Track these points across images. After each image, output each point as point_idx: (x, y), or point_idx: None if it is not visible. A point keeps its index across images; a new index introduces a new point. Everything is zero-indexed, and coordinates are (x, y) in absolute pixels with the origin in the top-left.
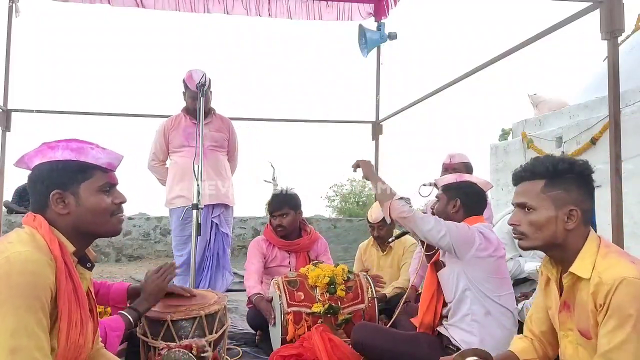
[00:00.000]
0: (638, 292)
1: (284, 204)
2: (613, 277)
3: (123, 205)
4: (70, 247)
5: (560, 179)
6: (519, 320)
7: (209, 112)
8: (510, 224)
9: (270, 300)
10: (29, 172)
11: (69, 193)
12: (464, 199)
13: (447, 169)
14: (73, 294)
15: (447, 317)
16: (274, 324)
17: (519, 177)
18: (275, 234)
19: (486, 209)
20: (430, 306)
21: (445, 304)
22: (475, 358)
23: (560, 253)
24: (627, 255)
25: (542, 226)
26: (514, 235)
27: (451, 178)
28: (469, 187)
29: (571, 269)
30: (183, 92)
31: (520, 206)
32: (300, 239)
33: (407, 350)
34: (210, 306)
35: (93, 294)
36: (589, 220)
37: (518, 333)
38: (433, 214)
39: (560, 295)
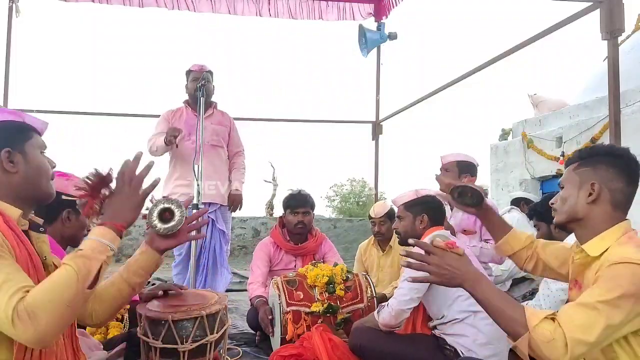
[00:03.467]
0: (636, 276)
1: (307, 202)
2: (618, 255)
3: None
4: (15, 212)
5: (591, 159)
6: None
7: (210, 105)
8: (550, 204)
9: (271, 312)
10: None
11: (17, 152)
12: (429, 213)
13: (441, 169)
14: (28, 259)
15: (436, 327)
16: (272, 333)
17: (567, 163)
18: (283, 234)
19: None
20: (407, 323)
21: (430, 318)
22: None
23: (581, 230)
24: None
25: (566, 199)
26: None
27: (410, 195)
28: (431, 200)
29: (583, 245)
30: (185, 85)
31: (559, 186)
32: (306, 243)
33: (404, 352)
34: (212, 306)
35: (51, 258)
36: (622, 203)
37: None
38: (398, 233)
39: None
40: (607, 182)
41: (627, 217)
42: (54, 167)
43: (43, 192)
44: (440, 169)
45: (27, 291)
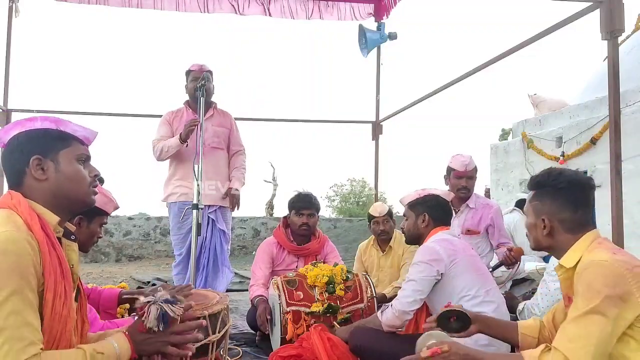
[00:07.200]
0: (606, 272)
1: (312, 204)
2: (586, 261)
3: (97, 179)
4: (53, 218)
5: (540, 191)
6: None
7: (210, 105)
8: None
9: (270, 312)
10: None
11: (49, 160)
12: (431, 212)
13: (462, 176)
14: (58, 266)
15: None
16: (269, 331)
17: (528, 186)
18: (287, 234)
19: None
20: (410, 323)
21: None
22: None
23: (555, 253)
24: (612, 249)
25: (530, 230)
26: None
27: (413, 194)
28: (434, 200)
29: (560, 261)
30: (185, 85)
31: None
32: (309, 244)
33: (405, 352)
34: (214, 306)
35: (78, 269)
36: (577, 226)
37: None
38: (404, 232)
39: None
40: (555, 215)
41: (595, 227)
42: (98, 175)
43: (78, 201)
44: (462, 176)
45: (42, 349)
